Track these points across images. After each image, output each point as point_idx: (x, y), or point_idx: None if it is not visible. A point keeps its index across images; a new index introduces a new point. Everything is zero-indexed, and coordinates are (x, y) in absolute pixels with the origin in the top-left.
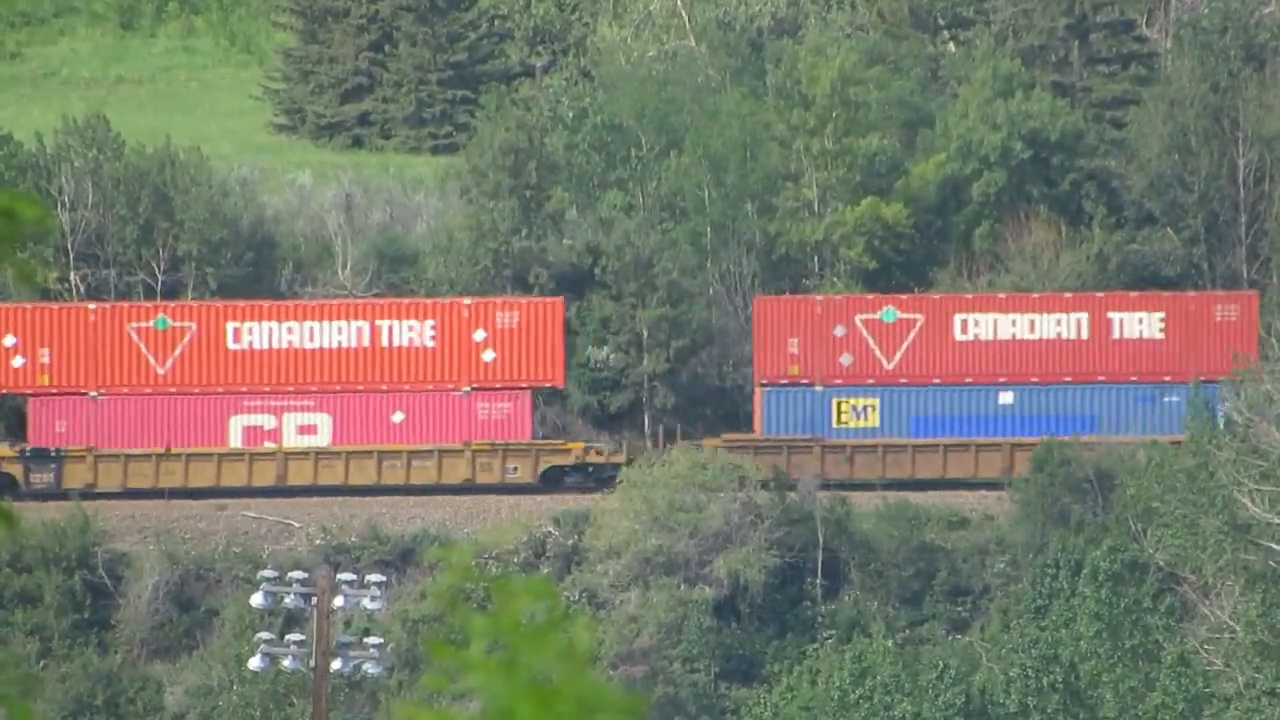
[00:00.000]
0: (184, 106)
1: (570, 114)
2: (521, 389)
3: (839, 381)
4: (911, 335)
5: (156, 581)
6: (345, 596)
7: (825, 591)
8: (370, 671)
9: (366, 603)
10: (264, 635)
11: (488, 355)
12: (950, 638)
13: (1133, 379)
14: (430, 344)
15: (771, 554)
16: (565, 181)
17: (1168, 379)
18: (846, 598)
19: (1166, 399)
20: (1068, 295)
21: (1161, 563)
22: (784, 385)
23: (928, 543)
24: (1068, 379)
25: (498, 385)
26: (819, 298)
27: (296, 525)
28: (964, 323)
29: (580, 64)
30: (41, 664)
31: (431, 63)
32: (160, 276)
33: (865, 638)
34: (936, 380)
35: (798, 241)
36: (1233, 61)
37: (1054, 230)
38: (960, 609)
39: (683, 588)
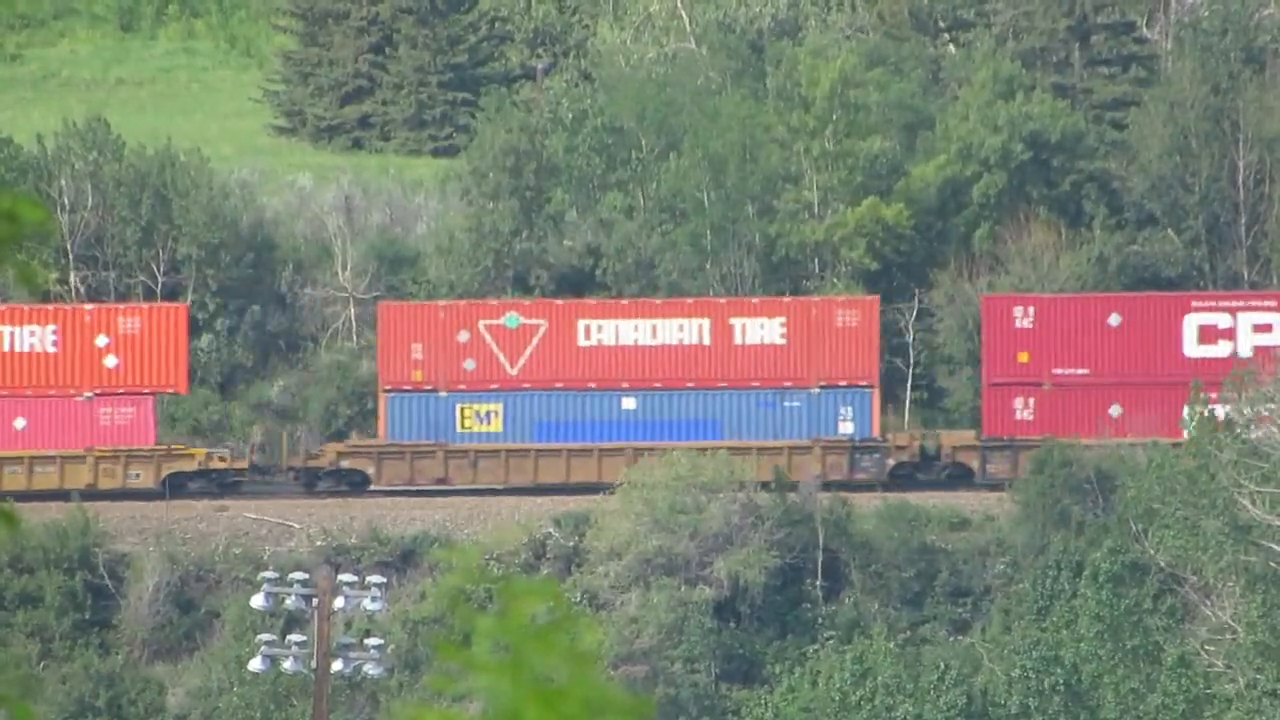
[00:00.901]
0: (184, 108)
1: (570, 116)
2: (144, 395)
3: (463, 387)
4: (535, 341)
5: (157, 582)
6: (346, 598)
7: (826, 592)
8: (371, 672)
9: (367, 604)
10: (265, 636)
11: (110, 361)
12: (951, 639)
13: (754, 384)
14: (52, 349)
15: (772, 555)
16: (565, 183)
17: (788, 384)
18: (847, 599)
19: (787, 404)
20: (689, 301)
21: (1162, 564)
22: (408, 391)
23: (928, 544)
24: (690, 384)
25: (120, 391)
26: (442, 303)
27: (297, 526)
28: (587, 328)
29: (580, 66)
30: (42, 665)
31: (431, 65)
32: (160, 278)
33: (866, 639)
34: (559, 385)
35: (798, 243)
36: (1233, 63)
37: (1054, 232)
38: (961, 610)
39: (683, 589)
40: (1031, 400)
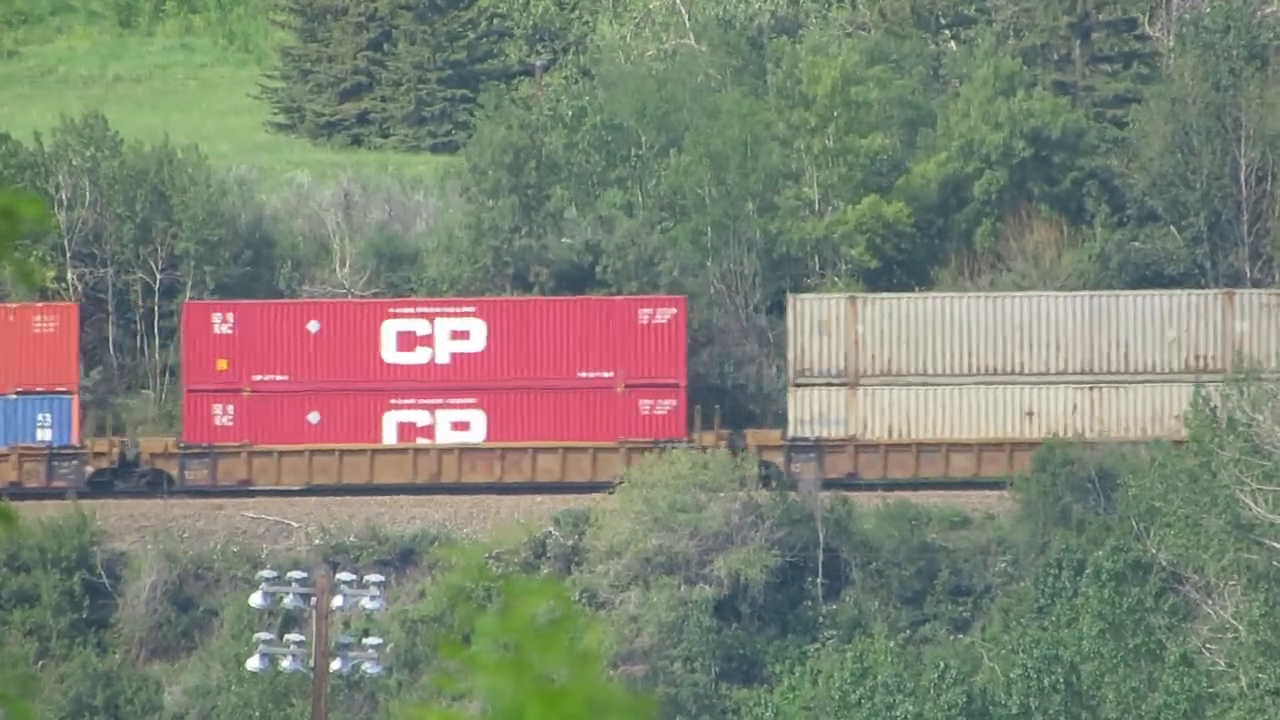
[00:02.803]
0: (182, 105)
1: (570, 113)
2: None
3: None
4: None
5: (155, 581)
6: (344, 596)
7: (826, 591)
8: (369, 671)
9: (365, 603)
10: (263, 635)
11: None
12: (952, 638)
13: None
14: None
15: (772, 554)
16: (565, 180)
17: None
18: (847, 598)
19: None
20: None
21: (1164, 562)
22: None
23: (929, 542)
24: None
25: None
26: None
27: (295, 525)
28: None
29: (580, 63)
30: (40, 664)
31: (430, 61)
32: (158, 275)
33: (866, 638)
34: None
35: (799, 240)
36: (1235, 60)
37: (1055, 229)
38: (962, 609)
39: (683, 588)
40: (230, 407)
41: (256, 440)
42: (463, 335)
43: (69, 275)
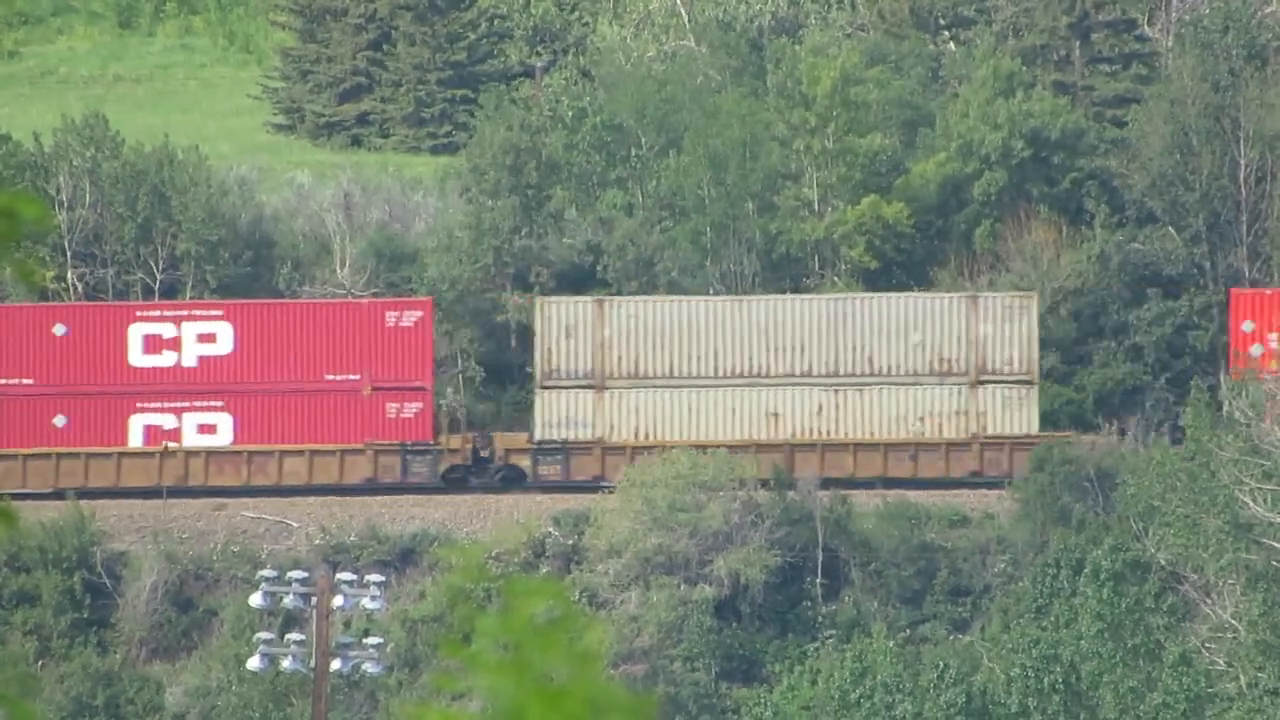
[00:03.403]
0: (182, 105)
1: (570, 113)
2: None
3: None
4: None
5: (155, 581)
6: (344, 596)
7: (826, 591)
8: (369, 671)
9: (366, 603)
10: (263, 635)
11: None
12: (951, 637)
13: None
14: None
15: (772, 553)
16: (565, 181)
17: None
18: (847, 597)
19: None
20: None
21: (1163, 562)
22: None
23: (928, 542)
24: None
25: None
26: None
27: (295, 525)
28: None
29: (580, 64)
30: (40, 664)
31: (430, 62)
32: (159, 276)
33: (866, 637)
34: None
35: (798, 241)
36: (1234, 61)
37: (1055, 230)
38: (961, 609)
39: (683, 587)
40: None
41: (1, 444)
42: (209, 339)
43: (69, 275)
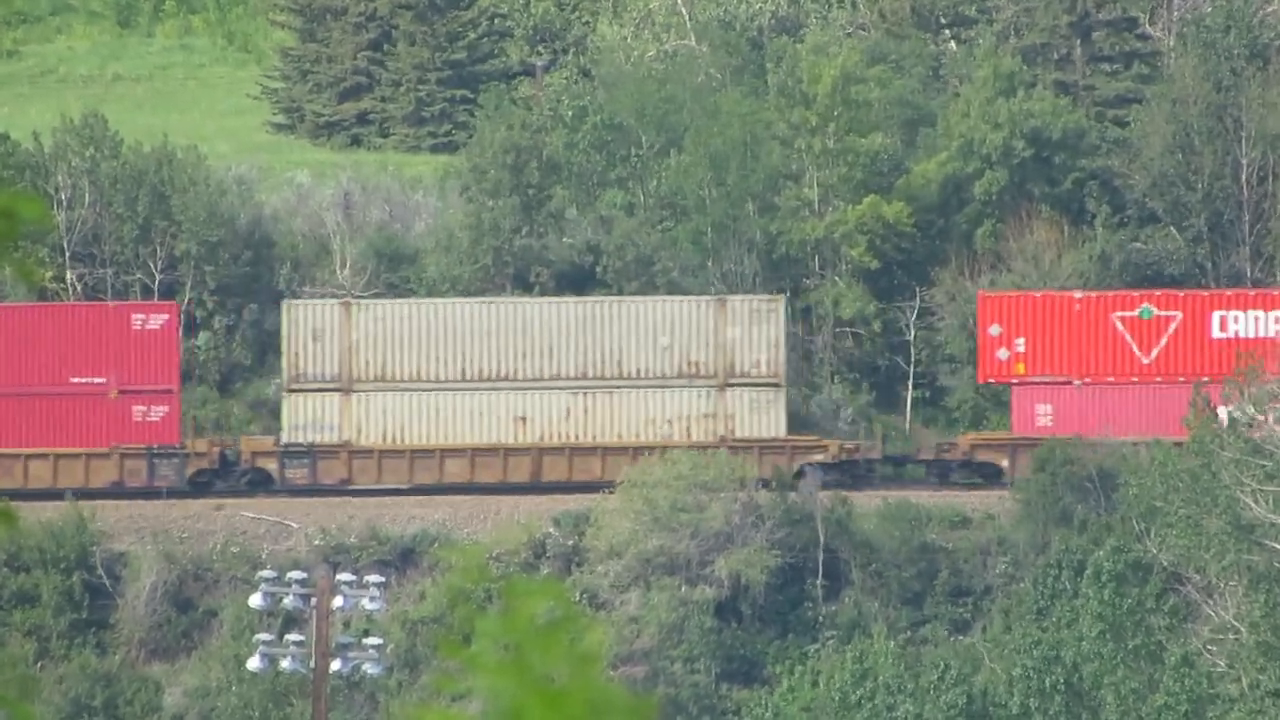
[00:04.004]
0: (182, 105)
1: (570, 113)
2: None
3: None
4: None
5: (154, 582)
6: (344, 597)
7: (826, 592)
8: (369, 672)
9: (366, 603)
10: (263, 636)
11: None
12: (952, 638)
13: None
14: None
15: (773, 554)
16: (565, 180)
17: None
18: (847, 598)
19: None
20: None
21: (1165, 563)
22: None
23: (929, 543)
24: None
25: None
26: None
27: (295, 525)
28: None
29: (580, 63)
30: (39, 664)
31: (430, 61)
32: (158, 276)
33: (866, 638)
34: None
35: (799, 241)
36: (1236, 60)
37: (1056, 230)
38: (962, 610)
39: (684, 588)
40: None
41: None
42: None
43: (68, 275)
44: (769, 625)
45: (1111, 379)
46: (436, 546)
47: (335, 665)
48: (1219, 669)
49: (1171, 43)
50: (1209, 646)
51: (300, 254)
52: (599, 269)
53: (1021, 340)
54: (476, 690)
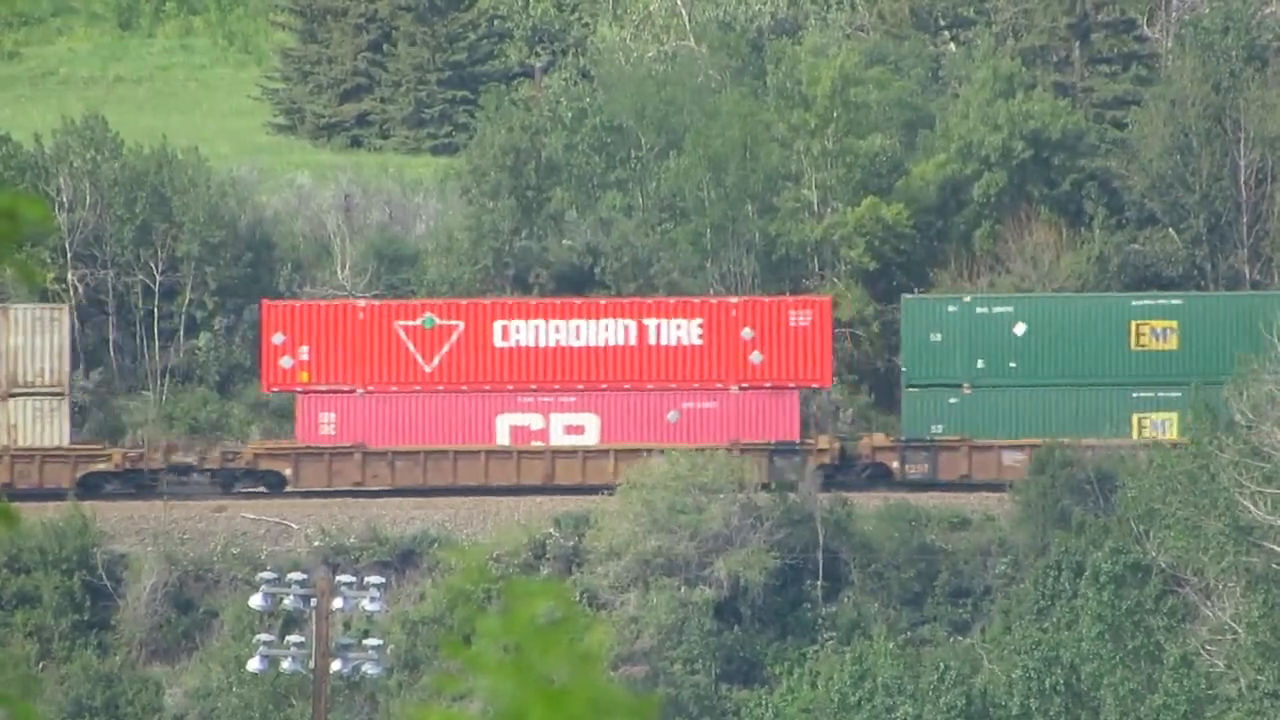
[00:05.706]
0: (182, 106)
1: (570, 114)
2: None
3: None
4: None
5: (155, 583)
6: (344, 598)
7: (826, 593)
8: (369, 673)
9: (366, 604)
10: (263, 637)
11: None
12: (951, 639)
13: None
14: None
15: (772, 555)
16: (565, 182)
17: None
18: (847, 599)
19: None
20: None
21: (1163, 564)
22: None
23: (928, 544)
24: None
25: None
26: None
27: (295, 527)
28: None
29: (580, 64)
30: (41, 665)
31: (430, 63)
32: (158, 277)
33: (866, 639)
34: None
35: (798, 242)
36: (1234, 62)
37: (1055, 231)
38: (961, 610)
39: (683, 589)
40: None
41: None
42: None
43: (69, 277)
44: (768, 626)
45: (395, 388)
46: (437, 547)
47: (335, 666)
48: (1217, 669)
49: (1170, 44)
50: (1207, 647)
51: (300, 255)
52: (598, 270)
53: (305, 348)
54: (478, 690)
